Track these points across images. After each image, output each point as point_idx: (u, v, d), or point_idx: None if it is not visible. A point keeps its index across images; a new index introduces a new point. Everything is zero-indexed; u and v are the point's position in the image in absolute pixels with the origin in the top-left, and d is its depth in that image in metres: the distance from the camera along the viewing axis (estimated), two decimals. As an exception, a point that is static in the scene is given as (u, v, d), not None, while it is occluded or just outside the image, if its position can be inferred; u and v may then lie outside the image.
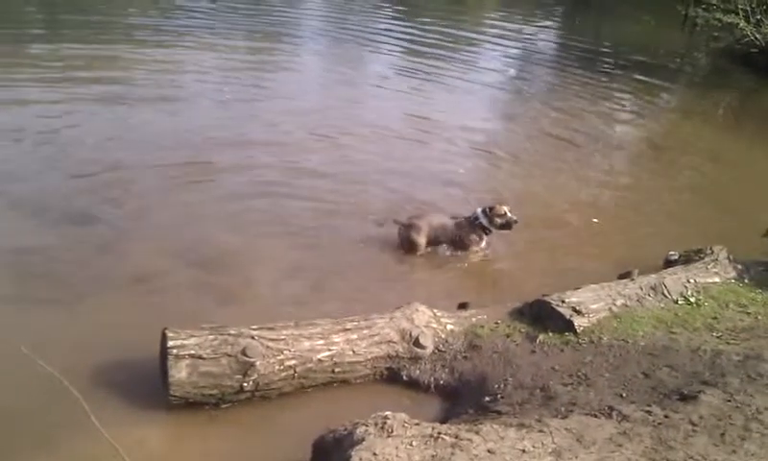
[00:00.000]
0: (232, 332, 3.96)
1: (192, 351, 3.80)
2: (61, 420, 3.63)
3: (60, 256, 5.39)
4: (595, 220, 7.30)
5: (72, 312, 4.70)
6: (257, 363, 3.91)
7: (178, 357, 3.77)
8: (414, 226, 6.12)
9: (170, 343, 3.78)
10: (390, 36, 15.55)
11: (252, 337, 3.97)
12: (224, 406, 3.95)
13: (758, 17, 16.47)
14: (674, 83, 15.75)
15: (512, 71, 14.66)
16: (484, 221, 6.10)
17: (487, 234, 6.17)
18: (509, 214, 6.08)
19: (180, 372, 3.76)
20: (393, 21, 17.62)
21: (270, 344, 3.99)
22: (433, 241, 6.16)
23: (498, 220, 6.06)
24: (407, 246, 6.13)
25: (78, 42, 11.55)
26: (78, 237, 5.68)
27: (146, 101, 9.12)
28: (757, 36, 16.39)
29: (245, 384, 3.91)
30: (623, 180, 8.95)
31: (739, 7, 16.42)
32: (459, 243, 6.18)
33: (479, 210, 6.13)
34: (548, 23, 21.01)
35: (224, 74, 11.00)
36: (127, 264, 5.37)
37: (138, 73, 10.31)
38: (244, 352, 3.88)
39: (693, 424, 3.34)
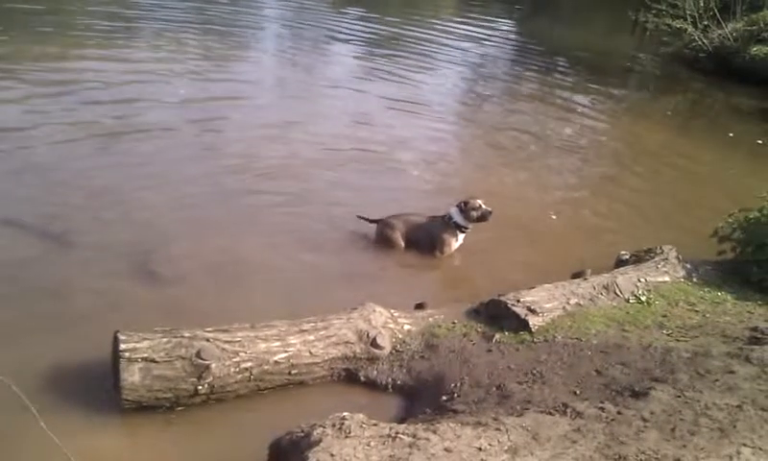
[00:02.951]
0: (186, 335, 3.89)
1: (145, 355, 3.73)
2: (9, 427, 3.52)
3: (6, 260, 5.22)
4: (553, 216, 7.40)
5: (20, 317, 4.55)
6: (212, 365, 3.85)
7: (130, 361, 3.69)
8: (390, 224, 6.19)
9: (122, 346, 3.70)
10: (346, 35, 15.59)
11: (207, 339, 3.91)
12: (178, 409, 3.88)
13: (705, 23, 16.96)
14: (625, 85, 16.10)
15: (467, 71, 14.77)
16: (459, 219, 6.13)
17: (463, 232, 6.20)
18: (483, 206, 6.12)
19: (132, 375, 3.69)
20: (349, 19, 17.58)
21: (225, 346, 3.94)
22: (409, 240, 6.19)
23: (474, 213, 6.10)
24: (383, 243, 6.19)
25: (28, 36, 11.23)
26: (25, 240, 5.50)
27: (98, 98, 8.89)
28: (705, 41, 16.89)
29: (200, 387, 3.85)
30: (576, 179, 9.11)
31: (687, 13, 16.88)
32: (435, 243, 6.20)
33: (453, 208, 6.16)
34: (502, 26, 21.21)
35: (180, 71, 10.83)
36: (77, 268, 5.22)
37: (91, 70, 10.04)
38: (198, 355, 3.82)
39: (645, 420, 3.40)
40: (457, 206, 6.15)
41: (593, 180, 9.19)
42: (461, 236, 6.23)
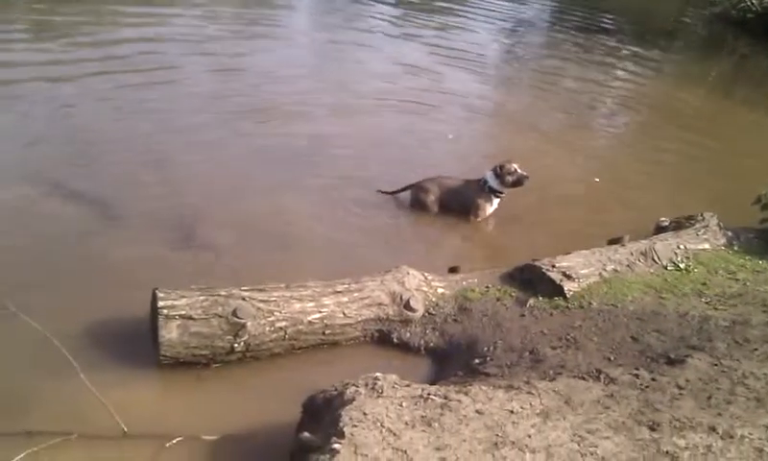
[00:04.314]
0: (223, 293, 3.95)
1: (183, 312, 3.79)
2: (50, 378, 3.63)
3: (49, 215, 5.31)
4: (596, 179, 7.28)
5: (61, 272, 4.65)
6: (248, 324, 3.91)
7: (168, 317, 3.76)
8: (424, 187, 6.16)
9: (160, 303, 3.77)
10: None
11: (243, 298, 3.96)
12: (215, 366, 3.95)
13: (755, -18, 16.38)
14: (669, 47, 15.68)
15: (507, 33, 14.51)
16: (494, 183, 6.06)
17: (497, 197, 6.15)
18: (519, 170, 6.05)
19: (170, 332, 3.76)
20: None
21: (261, 305, 3.99)
22: (443, 204, 6.16)
23: (509, 178, 6.03)
24: (417, 207, 6.18)
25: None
26: (62, 202, 5.54)
27: (134, 59, 8.90)
28: (754, 1, 16.30)
29: (236, 345, 3.91)
30: (616, 143, 8.97)
31: (736, -29, 16.34)
32: (469, 207, 6.16)
33: (489, 172, 6.10)
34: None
35: (214, 32, 10.81)
36: (116, 231, 5.27)
37: (127, 35, 10.06)
38: (235, 313, 3.88)
39: (680, 388, 3.37)
40: (492, 170, 6.08)
41: (634, 143, 9.03)
42: (495, 201, 6.17)
